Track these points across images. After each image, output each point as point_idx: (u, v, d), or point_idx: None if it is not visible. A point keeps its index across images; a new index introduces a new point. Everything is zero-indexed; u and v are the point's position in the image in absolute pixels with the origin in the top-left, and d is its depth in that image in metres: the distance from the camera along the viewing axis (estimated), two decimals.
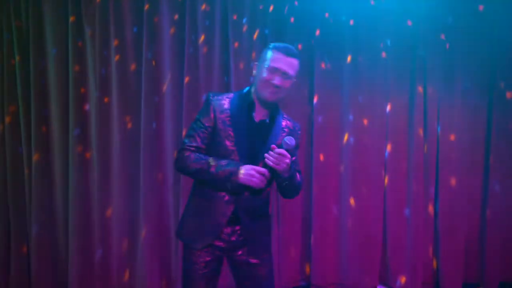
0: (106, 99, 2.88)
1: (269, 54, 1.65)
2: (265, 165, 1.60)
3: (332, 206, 3.01)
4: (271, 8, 2.91)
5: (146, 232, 2.86)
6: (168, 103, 2.88)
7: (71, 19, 2.81)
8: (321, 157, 2.97)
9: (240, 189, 1.65)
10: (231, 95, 1.74)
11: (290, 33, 2.95)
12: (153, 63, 2.88)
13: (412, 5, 2.95)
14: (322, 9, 2.97)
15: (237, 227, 1.73)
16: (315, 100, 2.97)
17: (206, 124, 1.68)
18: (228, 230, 1.73)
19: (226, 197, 1.69)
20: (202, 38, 2.88)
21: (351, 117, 2.99)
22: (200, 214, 1.73)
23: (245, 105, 1.69)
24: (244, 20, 2.91)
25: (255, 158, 1.66)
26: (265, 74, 1.64)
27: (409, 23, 2.98)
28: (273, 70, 1.62)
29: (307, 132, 3.01)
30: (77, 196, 2.83)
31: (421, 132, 2.96)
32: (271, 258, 1.85)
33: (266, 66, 1.63)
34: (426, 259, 2.99)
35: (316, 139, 2.97)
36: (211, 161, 1.63)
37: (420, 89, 2.97)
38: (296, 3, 2.95)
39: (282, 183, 1.67)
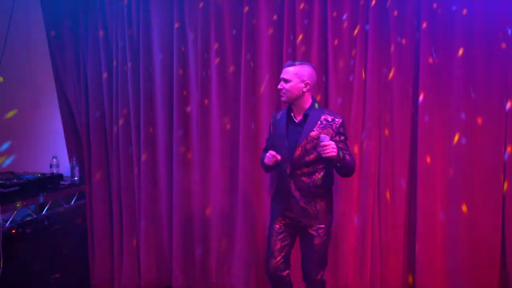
0: (206, 101, 2.96)
1: None
2: (305, 152, 2.14)
3: (439, 213, 2.73)
4: (373, 2, 2.75)
5: (243, 230, 2.90)
6: (265, 104, 2.87)
7: (176, 25, 2.95)
8: (428, 159, 2.73)
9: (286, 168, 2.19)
10: (285, 108, 2.31)
11: (393, 27, 2.74)
12: (252, 64, 2.90)
13: None
14: None
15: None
16: (420, 98, 2.73)
17: (270, 134, 2.40)
18: (292, 202, 2.20)
19: (283, 177, 2.21)
20: (300, 37, 2.81)
21: (463, 115, 2.71)
22: (277, 190, 2.32)
23: (285, 112, 2.28)
24: (345, 17, 2.78)
25: (294, 147, 2.16)
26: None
27: None
28: (280, 79, 2.22)
29: (412, 132, 2.77)
30: (180, 194, 2.97)
31: None
32: (326, 232, 2.24)
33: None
34: None
35: (422, 140, 2.72)
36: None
37: None
38: None
39: (336, 165, 2.09)
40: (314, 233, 2.21)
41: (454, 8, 2.71)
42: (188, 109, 3.00)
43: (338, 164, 2.07)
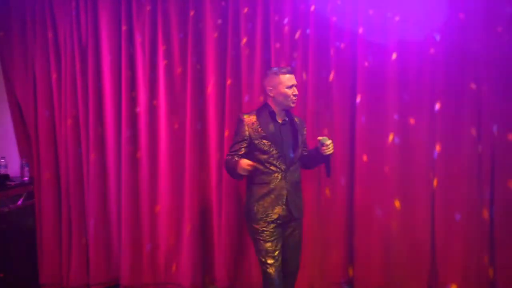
0: (154, 102, 3.00)
1: (282, 77, 2.27)
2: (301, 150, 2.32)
3: (375, 208, 2.84)
4: (313, 8, 2.87)
5: (191, 228, 2.95)
6: (211, 105, 2.94)
7: (124, 28, 2.97)
8: (365, 158, 2.86)
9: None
10: (254, 112, 2.33)
11: (332, 32, 2.85)
12: (198, 66, 2.95)
13: None
14: (365, 6, 2.85)
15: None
16: (358, 99, 2.87)
17: (243, 137, 2.26)
18: (287, 198, 2.25)
19: (279, 176, 2.24)
20: (244, 40, 2.89)
21: (396, 116, 2.85)
22: (265, 195, 2.24)
23: (267, 114, 2.29)
24: (286, 21, 2.88)
25: (291, 147, 2.28)
26: (286, 91, 2.26)
27: (461, 15, 2.75)
28: (291, 87, 2.28)
29: (350, 131, 2.89)
30: (128, 193, 2.99)
31: (473, 131, 2.71)
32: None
33: (285, 86, 2.26)
34: (481, 268, 2.72)
35: (359, 139, 2.83)
36: (230, 160, 2.24)
37: (472, 85, 2.73)
38: (338, 1, 2.86)
39: (327, 161, 2.27)
40: (298, 227, 2.34)
41: (388, 15, 2.84)
42: (137, 109, 3.02)
43: (329, 160, 2.26)
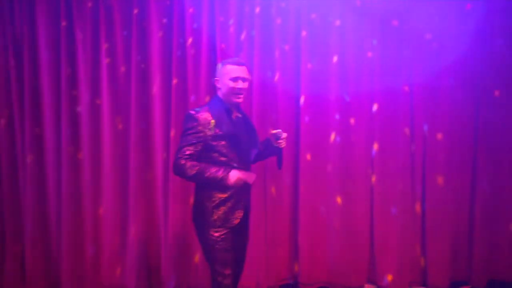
0: (97, 101, 2.90)
1: (228, 68, 2.03)
2: (266, 147, 2.20)
3: (319, 205, 2.94)
4: (258, 9, 2.91)
5: (136, 230, 2.89)
6: (157, 104, 2.89)
7: (63, 23, 2.84)
8: (308, 157, 2.96)
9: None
10: (206, 107, 2.04)
11: (277, 34, 2.91)
12: (142, 66, 2.89)
13: (396, 5, 2.90)
14: (308, 10, 2.93)
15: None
16: (301, 100, 2.95)
17: (198, 138, 1.96)
18: (248, 198, 2.14)
19: (243, 167, 2.04)
20: (190, 40, 2.88)
21: (337, 116, 2.98)
22: (228, 199, 2.00)
23: (223, 110, 2.03)
24: (231, 22, 2.91)
25: (251, 144, 2.10)
26: (229, 83, 2.02)
27: (395, 23, 2.93)
28: (236, 79, 2.02)
29: (295, 132, 2.97)
30: (68, 194, 2.86)
31: (407, 131, 2.90)
32: None
33: (229, 78, 2.01)
34: (414, 258, 2.91)
35: (303, 139, 2.91)
36: (205, 167, 1.94)
37: (406, 88, 2.91)
38: (282, 4, 2.93)
39: (280, 154, 2.15)
40: (246, 227, 2.16)
41: (329, 19, 2.96)
42: (78, 108, 2.91)
43: (282, 153, 2.16)
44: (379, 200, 2.94)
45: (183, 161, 1.94)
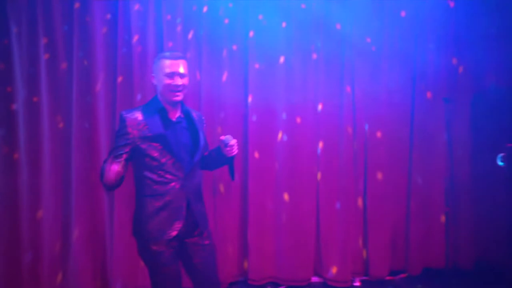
0: (35, 99, 2.73)
1: (162, 63, 1.84)
2: (210, 153, 2.00)
3: (268, 202, 2.99)
4: (205, 9, 2.90)
5: (79, 232, 2.77)
6: (101, 102, 2.79)
7: None
8: (256, 155, 3.00)
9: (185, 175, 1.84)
10: (140, 107, 1.88)
11: (224, 34, 2.92)
12: (85, 62, 2.78)
13: (340, 9, 3.01)
14: (255, 11, 2.96)
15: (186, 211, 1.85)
16: (249, 99, 2.99)
17: (126, 140, 1.78)
18: (191, 209, 1.85)
19: (177, 185, 1.81)
20: (135, 38, 2.81)
21: (284, 115, 3.05)
22: (160, 209, 1.80)
23: (155, 111, 1.83)
24: (178, 20, 2.88)
25: (192, 148, 1.88)
26: (164, 79, 1.82)
27: (338, 26, 3.05)
28: (171, 75, 1.82)
29: (243, 131, 3.00)
30: (5, 198, 2.68)
31: (350, 130, 3.03)
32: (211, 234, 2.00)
33: (164, 74, 1.82)
34: (356, 250, 3.04)
35: (251, 137, 2.95)
36: (105, 165, 1.74)
37: (348, 89, 3.04)
38: (230, 5, 2.93)
39: (231, 163, 1.96)
40: (207, 240, 1.91)
41: (276, 20, 3.02)
42: (14, 106, 2.73)
43: (233, 162, 1.95)
44: (324, 196, 3.04)
45: (103, 164, 1.77)
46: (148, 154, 1.79)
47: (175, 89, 1.82)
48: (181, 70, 1.83)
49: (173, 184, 1.80)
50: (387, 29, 3.08)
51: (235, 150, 1.90)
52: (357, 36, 3.06)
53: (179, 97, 1.85)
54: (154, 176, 1.80)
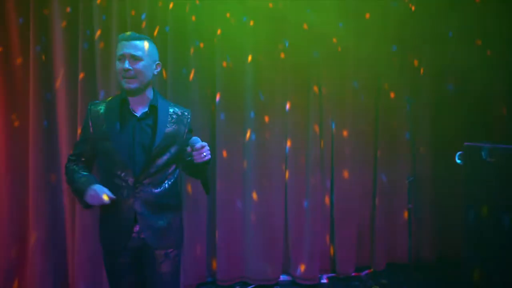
0: None
1: (117, 46, 1.64)
2: (158, 155, 1.64)
3: (236, 201, 2.94)
4: (171, 5, 2.80)
5: (37, 237, 2.61)
6: (62, 100, 2.64)
7: None
8: (224, 154, 2.94)
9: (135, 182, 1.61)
10: (107, 100, 1.71)
11: (191, 31, 2.84)
12: (43, 57, 2.63)
13: (306, 9, 3.00)
14: (223, 9, 2.90)
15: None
16: (217, 98, 2.92)
17: (87, 135, 1.66)
18: (137, 227, 1.64)
19: (125, 193, 1.61)
20: (98, 33, 2.66)
21: (252, 114, 3.01)
22: (109, 216, 1.65)
23: (117, 103, 1.65)
24: (143, 16, 2.77)
25: (147, 150, 1.62)
26: (117, 65, 1.62)
27: (305, 26, 3.03)
28: (121, 58, 1.61)
29: (211, 129, 2.94)
30: None
31: (317, 128, 3.02)
32: (177, 254, 1.72)
33: (116, 58, 1.62)
34: (324, 247, 3.04)
35: (219, 136, 2.89)
36: (75, 175, 1.63)
37: (315, 88, 3.03)
38: (197, 1, 2.84)
39: (204, 169, 1.67)
40: (162, 258, 1.67)
41: (244, 19, 2.98)
42: None
43: (206, 169, 1.66)
44: (292, 195, 3.03)
45: (67, 163, 1.68)
46: (101, 152, 1.64)
47: (124, 74, 1.58)
48: (134, 52, 1.58)
49: (122, 190, 1.60)
50: (352, 30, 3.11)
51: (206, 156, 1.57)
52: (323, 37, 3.08)
53: (131, 84, 1.59)
54: (106, 179, 1.63)
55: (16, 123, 2.61)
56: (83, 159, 1.68)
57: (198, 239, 2.92)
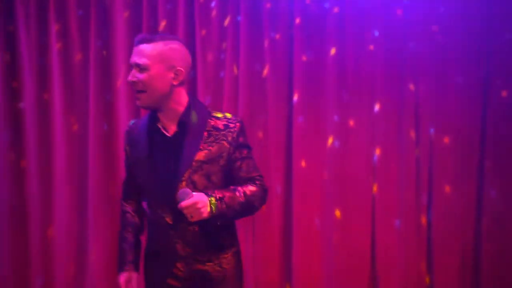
0: (45, 96, 2.29)
1: None
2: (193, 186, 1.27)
3: (314, 219, 2.49)
4: None
5: (97, 254, 2.32)
6: (122, 100, 2.31)
7: None
8: (303, 163, 2.50)
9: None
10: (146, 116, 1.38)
11: (266, 21, 2.41)
12: (104, 53, 2.31)
13: None
14: None
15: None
16: (294, 98, 2.47)
17: (126, 161, 1.43)
18: (181, 265, 1.33)
19: (165, 227, 1.31)
20: (163, 24, 2.31)
21: (336, 117, 2.54)
22: (153, 246, 1.39)
23: (145, 121, 1.34)
24: (213, 4, 2.38)
25: (172, 181, 1.27)
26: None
27: (399, 12, 2.51)
28: (130, 69, 1.28)
29: (287, 135, 2.51)
30: (10, 213, 2.25)
31: (412, 134, 2.49)
32: None
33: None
34: (419, 275, 2.51)
35: (297, 142, 2.45)
36: (122, 232, 1.44)
37: (411, 86, 2.51)
38: None
39: (215, 224, 1.28)
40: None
41: (326, 5, 2.51)
42: (21, 105, 2.28)
43: (218, 223, 1.29)
44: (381, 212, 2.52)
45: (122, 196, 1.50)
46: (138, 180, 1.37)
47: (132, 87, 1.29)
48: (138, 59, 1.24)
49: (156, 227, 1.35)
50: (455, 15, 2.53)
51: (195, 216, 1.19)
52: (420, 24, 2.52)
53: (139, 100, 1.28)
54: (149, 215, 1.38)
55: (75, 127, 2.31)
56: (131, 191, 1.46)
57: (270, 262, 2.51)
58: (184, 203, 1.17)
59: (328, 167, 2.51)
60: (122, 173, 2.28)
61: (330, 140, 2.51)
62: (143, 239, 1.47)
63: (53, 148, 2.29)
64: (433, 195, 2.54)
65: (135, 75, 1.24)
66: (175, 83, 1.27)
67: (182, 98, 1.31)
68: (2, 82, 2.21)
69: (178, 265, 1.33)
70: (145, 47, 1.24)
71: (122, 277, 1.37)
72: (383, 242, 2.52)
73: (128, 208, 1.44)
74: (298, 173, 2.47)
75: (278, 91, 2.48)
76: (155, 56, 1.23)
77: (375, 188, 2.54)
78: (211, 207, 1.20)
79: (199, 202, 1.18)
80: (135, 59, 1.25)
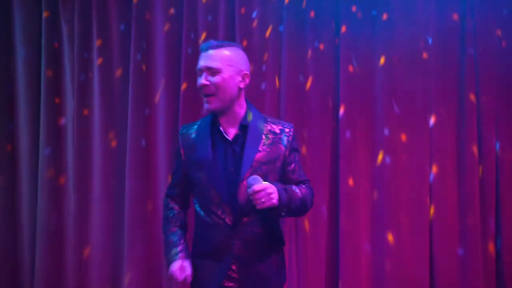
0: (85, 111, 2.23)
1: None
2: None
3: (363, 243, 2.25)
4: (287, 0, 2.30)
5: (132, 276, 2.19)
6: (161, 115, 2.23)
7: (45, 14, 2.19)
8: (351, 182, 2.28)
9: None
10: (199, 121, 1.45)
11: (310, 30, 2.25)
12: (143, 67, 2.25)
13: None
14: (348, 1, 2.33)
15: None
16: (341, 111, 2.28)
17: (180, 163, 1.43)
18: (235, 266, 1.34)
19: (224, 231, 1.33)
20: (203, 36, 2.23)
21: (386, 131, 2.31)
22: (206, 248, 1.37)
23: (207, 125, 1.37)
24: (254, 15, 2.26)
25: (234, 182, 1.32)
26: (198, 79, 1.34)
27: (455, 17, 2.29)
28: (199, 73, 1.33)
29: (332, 150, 2.30)
30: (47, 232, 2.19)
31: (475, 150, 2.21)
32: None
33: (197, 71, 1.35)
34: None
35: (344, 159, 2.23)
36: (168, 227, 1.42)
37: (471, 96, 2.25)
38: None
39: (280, 215, 1.32)
40: None
41: (374, 12, 2.33)
42: (62, 121, 2.24)
43: (283, 213, 1.31)
44: (441, 238, 2.22)
45: (165, 197, 1.49)
46: (195, 185, 1.39)
47: (201, 91, 1.32)
48: (210, 63, 1.29)
49: (213, 229, 1.35)
50: None
51: (265, 202, 1.22)
52: (481, 29, 2.27)
53: (211, 104, 1.31)
54: (203, 217, 1.37)
55: (114, 143, 2.24)
56: (180, 191, 1.45)
57: (316, 285, 2.26)
58: (257, 187, 1.20)
59: (378, 186, 2.27)
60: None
61: (380, 156, 2.27)
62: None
63: (91, 165, 2.22)
64: (502, 219, 2.22)
65: (207, 78, 1.29)
66: (242, 86, 1.34)
67: (244, 102, 1.38)
68: (45, 98, 2.18)
69: (233, 266, 1.34)
70: (215, 52, 1.31)
71: (175, 265, 1.34)
72: (444, 272, 2.22)
73: (175, 206, 1.44)
74: (345, 192, 2.24)
75: (323, 104, 2.30)
76: (226, 60, 1.31)
77: (432, 210, 2.25)
78: (279, 194, 1.24)
79: (270, 187, 1.23)
80: (207, 63, 1.30)
